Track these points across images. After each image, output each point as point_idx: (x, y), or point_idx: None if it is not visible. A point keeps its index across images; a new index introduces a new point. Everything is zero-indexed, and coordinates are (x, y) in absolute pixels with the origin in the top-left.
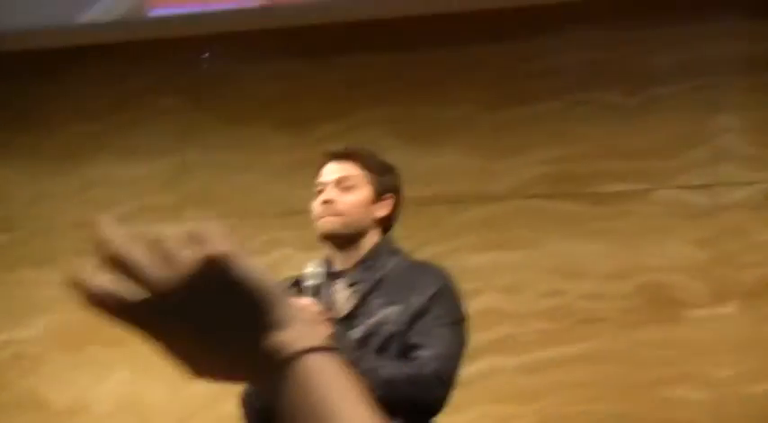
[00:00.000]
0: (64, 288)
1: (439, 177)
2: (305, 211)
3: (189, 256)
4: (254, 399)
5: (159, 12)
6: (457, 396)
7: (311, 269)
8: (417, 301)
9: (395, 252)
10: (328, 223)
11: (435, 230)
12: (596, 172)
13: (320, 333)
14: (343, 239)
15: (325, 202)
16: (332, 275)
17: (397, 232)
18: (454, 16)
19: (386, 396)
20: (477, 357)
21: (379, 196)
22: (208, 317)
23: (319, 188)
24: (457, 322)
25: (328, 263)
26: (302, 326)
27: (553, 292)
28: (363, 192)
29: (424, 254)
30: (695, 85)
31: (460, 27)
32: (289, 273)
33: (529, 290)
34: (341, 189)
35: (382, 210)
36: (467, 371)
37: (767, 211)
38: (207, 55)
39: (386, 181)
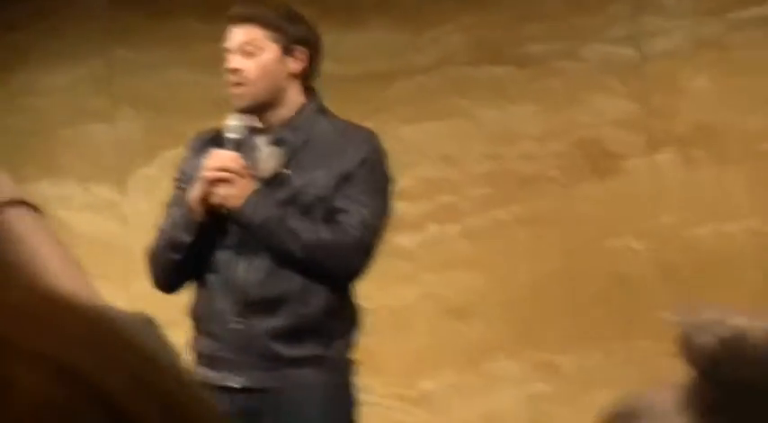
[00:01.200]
0: None
1: (365, 53)
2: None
3: None
4: (163, 253)
5: None
6: (403, 267)
7: (234, 122)
8: (345, 165)
9: (322, 112)
10: (240, 98)
11: (365, 106)
12: (520, 35)
13: (17, 188)
14: (259, 106)
15: (233, 71)
16: (255, 132)
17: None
18: None
19: (305, 259)
20: (419, 227)
21: (288, 51)
22: None
23: (226, 55)
24: (383, 189)
25: (251, 118)
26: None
27: (489, 156)
28: (267, 53)
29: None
30: None
31: None
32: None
33: (465, 157)
34: (244, 54)
35: (295, 64)
36: (411, 241)
37: (694, 58)
38: None
39: (293, 34)
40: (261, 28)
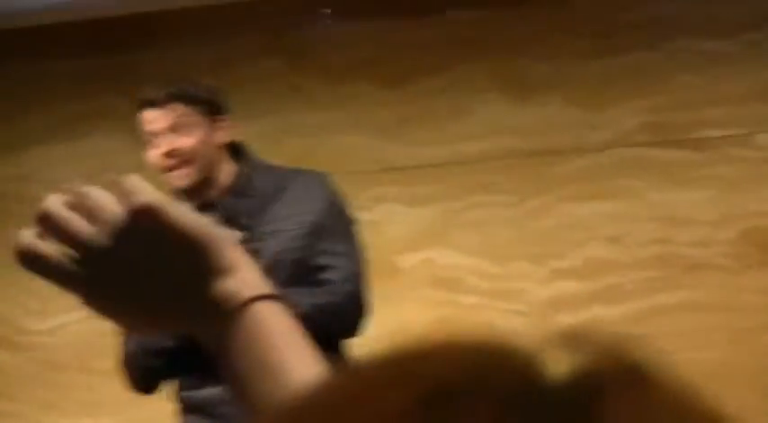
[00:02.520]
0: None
1: (541, 129)
2: (407, 167)
3: (116, 210)
4: (142, 359)
5: None
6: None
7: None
8: (311, 220)
9: (258, 168)
10: (181, 179)
11: (539, 182)
12: (696, 119)
13: (263, 279)
14: (201, 184)
15: (169, 153)
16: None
17: (500, 185)
18: None
19: (310, 330)
20: (582, 307)
21: (214, 123)
22: (146, 270)
23: (149, 138)
24: (353, 231)
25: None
26: (246, 271)
27: (657, 240)
28: (199, 128)
29: (526, 207)
30: None
31: None
32: (394, 228)
33: (633, 239)
34: (176, 134)
35: (223, 135)
36: (575, 320)
37: None
38: (328, 11)
39: (214, 106)
40: (185, 104)
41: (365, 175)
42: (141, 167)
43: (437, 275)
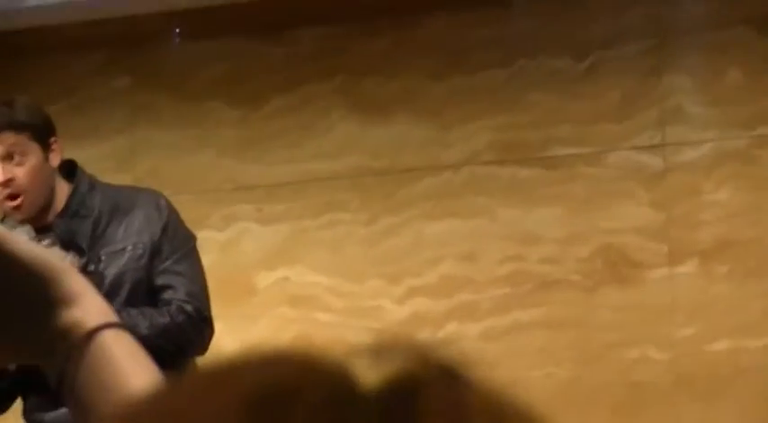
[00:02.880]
0: None
1: (390, 148)
2: (260, 186)
3: None
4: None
5: None
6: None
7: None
8: (149, 240)
9: (94, 187)
10: (21, 210)
11: (389, 201)
12: (547, 137)
13: (105, 305)
14: (39, 212)
15: (4, 183)
16: (36, 233)
17: (352, 204)
18: None
19: (152, 351)
20: (438, 325)
21: (47, 147)
22: None
23: None
24: (192, 249)
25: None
26: (89, 300)
27: (510, 257)
28: (33, 155)
29: (379, 225)
30: (641, 48)
31: None
32: (248, 247)
33: (486, 256)
34: (12, 162)
35: (55, 158)
36: (431, 340)
37: (718, 170)
38: (177, 31)
39: (43, 128)
40: (17, 133)
41: (217, 194)
42: None
43: (293, 294)
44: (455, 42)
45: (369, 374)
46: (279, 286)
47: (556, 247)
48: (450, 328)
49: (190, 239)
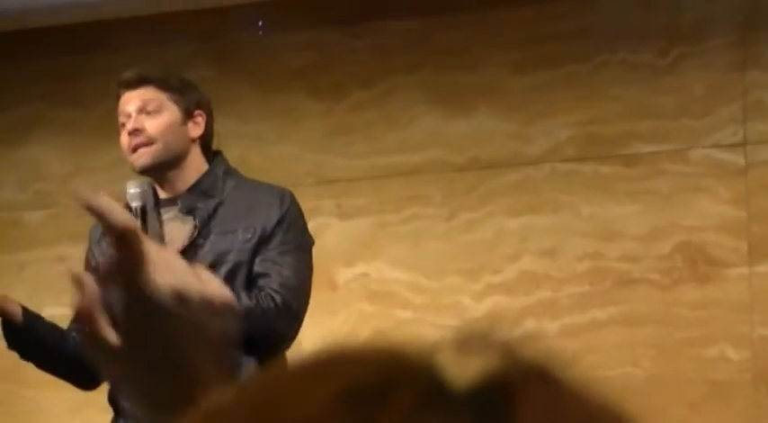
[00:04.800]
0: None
1: (471, 142)
2: (341, 179)
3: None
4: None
5: None
6: None
7: (134, 189)
8: (260, 227)
9: (230, 174)
10: (144, 156)
11: (470, 195)
12: (628, 133)
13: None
14: (163, 167)
15: (134, 131)
16: (162, 203)
17: (433, 199)
18: None
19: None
20: (517, 321)
21: (188, 115)
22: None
23: (122, 120)
24: (302, 249)
25: (153, 190)
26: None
27: (590, 254)
28: (170, 113)
29: (460, 220)
30: (724, 42)
31: None
32: (329, 241)
33: (566, 253)
34: (146, 115)
35: (196, 128)
36: (510, 335)
37: None
38: (260, 23)
39: (191, 98)
40: (160, 90)
41: (299, 188)
42: (74, 175)
43: (372, 289)
44: (538, 36)
45: (458, 370)
46: (358, 282)
47: (636, 244)
48: (529, 324)
49: (305, 239)
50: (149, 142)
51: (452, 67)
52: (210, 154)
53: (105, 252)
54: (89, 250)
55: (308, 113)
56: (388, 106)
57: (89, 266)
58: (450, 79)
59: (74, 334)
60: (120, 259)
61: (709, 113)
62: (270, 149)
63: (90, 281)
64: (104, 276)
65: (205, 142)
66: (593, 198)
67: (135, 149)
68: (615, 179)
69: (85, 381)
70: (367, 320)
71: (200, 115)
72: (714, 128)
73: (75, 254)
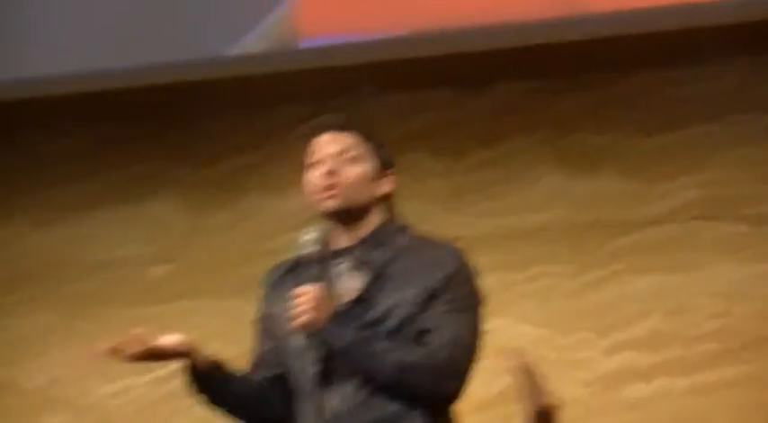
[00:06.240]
0: (224, 319)
1: (597, 202)
2: (464, 237)
3: None
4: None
5: (310, 43)
6: (632, 419)
7: (310, 235)
8: (431, 283)
9: (402, 229)
10: (334, 199)
11: (596, 254)
12: (753, 194)
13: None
14: (347, 216)
15: (329, 172)
16: (332, 254)
17: (561, 257)
18: (603, 42)
19: (393, 383)
20: (648, 379)
21: (381, 172)
22: None
23: (315, 159)
24: (473, 307)
25: (326, 241)
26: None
27: (719, 313)
28: (368, 165)
29: (586, 278)
30: None
31: (608, 52)
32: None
33: (694, 312)
34: (344, 161)
35: (386, 186)
36: (638, 393)
37: None
38: (369, 86)
39: (387, 155)
40: (362, 140)
41: None
42: (193, 233)
43: (502, 345)
44: (659, 96)
45: None
46: (488, 337)
47: (765, 303)
48: (659, 382)
49: (475, 298)
50: (340, 187)
51: (574, 128)
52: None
53: (280, 299)
54: (263, 298)
55: (430, 172)
56: (509, 165)
57: (263, 314)
58: (572, 140)
59: (255, 381)
60: None
61: None
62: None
63: None
64: None
65: (388, 203)
66: (719, 257)
67: (324, 190)
68: (740, 239)
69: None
70: (497, 377)
71: (392, 175)
72: None
73: (199, 308)
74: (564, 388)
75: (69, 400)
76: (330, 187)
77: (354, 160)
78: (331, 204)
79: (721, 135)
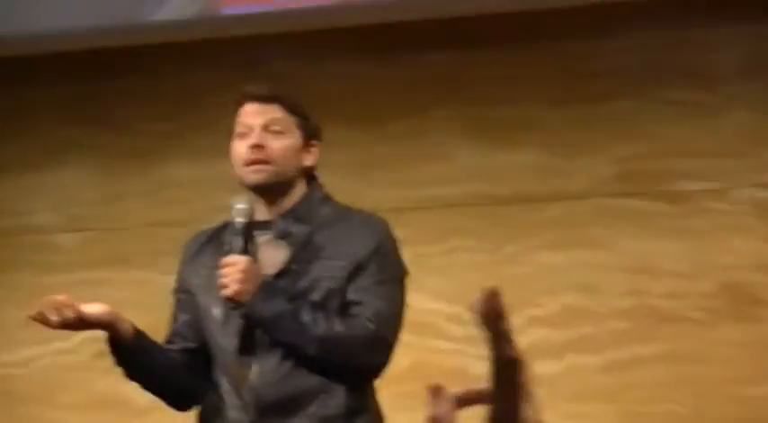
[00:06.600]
0: (136, 289)
1: (513, 176)
2: (377, 209)
3: None
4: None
5: (230, 10)
6: (539, 394)
7: (241, 205)
8: (356, 255)
9: (325, 200)
10: (259, 173)
11: (511, 229)
12: (671, 170)
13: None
14: (272, 189)
15: (255, 146)
16: (254, 226)
17: (474, 231)
18: (520, 14)
19: (319, 355)
20: (557, 356)
21: (306, 143)
22: None
23: (242, 131)
24: (397, 278)
25: (254, 204)
26: None
27: (631, 291)
28: (293, 137)
29: (501, 253)
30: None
31: (526, 25)
32: None
33: (607, 289)
34: (270, 134)
35: (310, 158)
36: (549, 369)
37: None
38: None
39: (312, 127)
40: (288, 112)
41: None
42: (106, 202)
43: (412, 320)
44: (578, 70)
45: None
46: None
47: (678, 281)
48: (570, 359)
49: (399, 270)
50: (267, 161)
51: (494, 99)
52: (309, 179)
53: (199, 270)
54: (182, 268)
55: (345, 142)
56: (426, 137)
57: (181, 284)
58: (490, 111)
59: (173, 352)
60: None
61: (753, 153)
62: None
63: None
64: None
65: (311, 174)
66: (636, 234)
67: (251, 163)
68: (657, 216)
69: (180, 401)
70: (407, 351)
71: (316, 146)
72: (757, 167)
73: (111, 277)
74: (474, 365)
75: None
76: (257, 161)
77: (280, 133)
78: (257, 178)
79: (636, 111)
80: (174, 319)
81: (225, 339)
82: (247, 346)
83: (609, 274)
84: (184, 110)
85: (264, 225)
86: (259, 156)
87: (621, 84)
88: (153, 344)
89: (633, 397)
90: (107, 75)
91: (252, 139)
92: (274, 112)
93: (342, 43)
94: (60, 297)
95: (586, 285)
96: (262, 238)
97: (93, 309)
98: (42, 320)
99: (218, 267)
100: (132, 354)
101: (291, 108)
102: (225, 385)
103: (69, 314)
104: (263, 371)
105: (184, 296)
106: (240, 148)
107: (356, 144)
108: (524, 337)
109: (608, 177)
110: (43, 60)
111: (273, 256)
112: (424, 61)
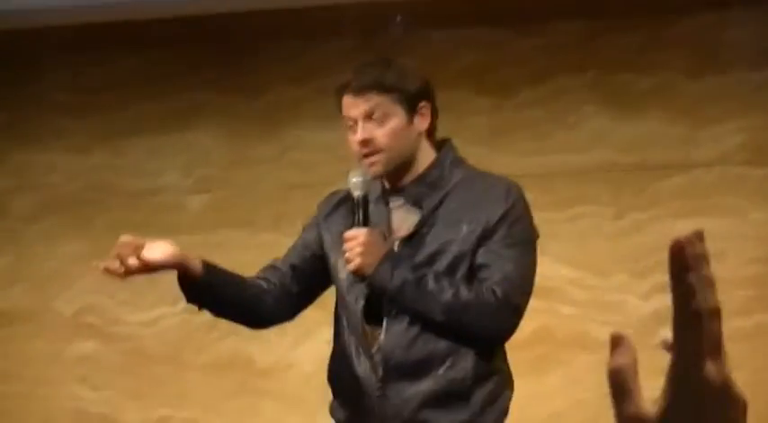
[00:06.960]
0: (262, 252)
1: (642, 144)
2: (506, 176)
3: None
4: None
5: None
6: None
7: (357, 178)
8: (486, 219)
9: (457, 163)
10: (376, 165)
11: (639, 197)
12: None
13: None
14: (397, 169)
15: (363, 142)
16: (387, 192)
17: (601, 196)
18: None
19: (446, 321)
20: None
21: (413, 110)
22: None
23: (348, 124)
24: (527, 242)
25: (381, 180)
26: None
27: (757, 258)
28: (397, 118)
29: (626, 220)
30: None
31: None
32: None
33: (734, 257)
34: (373, 122)
35: (422, 121)
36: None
37: None
38: (399, 19)
39: (412, 91)
40: (384, 93)
41: None
42: (234, 165)
43: (537, 285)
44: (710, 41)
45: None
46: None
47: None
48: None
49: (530, 234)
50: (380, 151)
51: (622, 68)
52: (437, 141)
53: (331, 227)
54: (316, 223)
55: (475, 110)
56: (555, 105)
57: (314, 229)
58: (619, 80)
59: (262, 281)
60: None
61: None
62: None
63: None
64: None
65: (432, 129)
66: (763, 203)
67: (364, 157)
68: None
69: (257, 322)
70: (530, 316)
71: (425, 106)
72: None
73: (238, 240)
74: (598, 330)
75: (100, 327)
76: (368, 154)
77: (383, 119)
78: (375, 170)
79: (765, 82)
80: (289, 253)
81: (352, 302)
82: (374, 310)
83: (735, 242)
84: (312, 76)
85: (397, 192)
86: (369, 149)
87: (752, 53)
88: (224, 278)
89: (757, 365)
90: (240, 39)
91: (358, 135)
92: (371, 100)
93: (470, 11)
94: (124, 238)
95: (712, 253)
96: (395, 203)
97: (156, 253)
98: (111, 273)
99: (344, 231)
100: (202, 291)
101: (387, 87)
102: (353, 344)
103: (133, 263)
104: (392, 334)
105: (311, 241)
106: (352, 143)
107: (485, 112)
108: (650, 304)
109: (735, 146)
110: (176, 23)
111: (405, 219)
112: (555, 29)
